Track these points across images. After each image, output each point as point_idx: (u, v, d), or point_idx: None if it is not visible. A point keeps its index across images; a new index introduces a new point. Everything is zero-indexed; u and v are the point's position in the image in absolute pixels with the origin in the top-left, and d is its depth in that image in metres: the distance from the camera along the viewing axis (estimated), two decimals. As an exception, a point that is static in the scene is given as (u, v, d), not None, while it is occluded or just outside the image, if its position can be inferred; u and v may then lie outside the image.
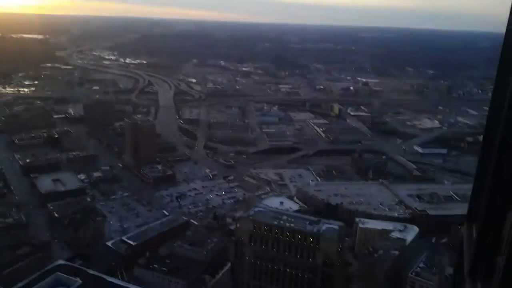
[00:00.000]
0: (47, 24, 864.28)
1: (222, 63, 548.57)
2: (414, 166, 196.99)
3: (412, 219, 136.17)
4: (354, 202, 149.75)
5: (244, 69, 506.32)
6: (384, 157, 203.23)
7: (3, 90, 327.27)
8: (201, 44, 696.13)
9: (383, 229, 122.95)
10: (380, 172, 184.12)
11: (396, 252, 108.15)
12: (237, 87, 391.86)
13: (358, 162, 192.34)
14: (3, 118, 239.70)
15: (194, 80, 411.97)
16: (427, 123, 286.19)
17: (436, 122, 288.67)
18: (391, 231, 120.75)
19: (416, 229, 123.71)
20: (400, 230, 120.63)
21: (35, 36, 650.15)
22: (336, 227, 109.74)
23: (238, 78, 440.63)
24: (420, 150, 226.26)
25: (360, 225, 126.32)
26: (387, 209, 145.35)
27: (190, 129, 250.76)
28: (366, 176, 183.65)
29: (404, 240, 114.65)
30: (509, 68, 6.65)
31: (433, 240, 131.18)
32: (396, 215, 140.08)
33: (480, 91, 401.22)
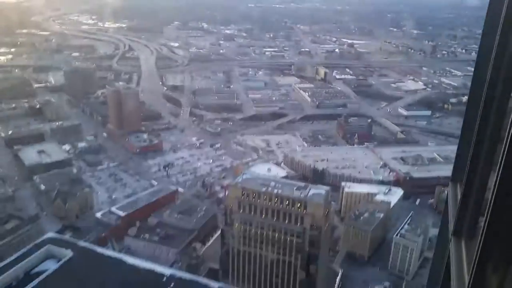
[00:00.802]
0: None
1: (205, 25, 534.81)
2: (399, 129, 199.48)
3: (396, 182, 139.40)
4: (340, 167, 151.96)
5: (227, 31, 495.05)
6: (369, 120, 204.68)
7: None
8: (181, 6, 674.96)
9: (368, 192, 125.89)
10: (365, 136, 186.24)
11: (381, 215, 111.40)
12: (221, 51, 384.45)
13: (344, 126, 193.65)
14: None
15: (176, 44, 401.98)
16: (411, 84, 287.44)
17: (420, 83, 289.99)
18: (376, 194, 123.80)
19: (400, 192, 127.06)
20: (384, 193, 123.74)
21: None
22: (323, 191, 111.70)
23: (221, 42, 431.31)
24: (404, 112, 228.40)
25: (346, 189, 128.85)
26: (372, 173, 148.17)
27: (175, 96, 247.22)
28: (352, 140, 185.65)
29: (388, 202, 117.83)
30: (495, 27, 6.57)
31: (418, 202, 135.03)
32: (380, 178, 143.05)
33: (464, 51, 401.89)
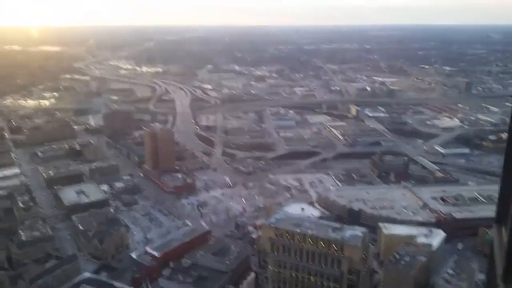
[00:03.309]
0: (64, 36, 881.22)
1: (237, 67, 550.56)
2: (437, 167, 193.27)
3: (437, 223, 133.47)
4: (377, 207, 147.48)
5: (258, 73, 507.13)
6: (405, 158, 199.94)
7: (24, 103, 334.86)
8: (214, 50, 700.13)
9: (408, 234, 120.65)
10: (402, 175, 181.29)
11: (423, 258, 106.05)
12: (252, 91, 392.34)
13: (379, 165, 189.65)
14: (25, 131, 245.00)
15: (209, 86, 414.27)
16: (447, 121, 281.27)
17: (457, 120, 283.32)
18: (416, 236, 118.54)
19: (442, 234, 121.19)
20: (425, 235, 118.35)
21: (53, 48, 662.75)
22: (360, 233, 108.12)
23: (253, 82, 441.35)
24: (441, 150, 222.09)
25: (384, 231, 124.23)
26: (411, 213, 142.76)
27: (208, 136, 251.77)
28: (388, 179, 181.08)
29: (430, 245, 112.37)
30: None
31: (461, 244, 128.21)
32: (420, 219, 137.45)
33: (501, 87, 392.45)
